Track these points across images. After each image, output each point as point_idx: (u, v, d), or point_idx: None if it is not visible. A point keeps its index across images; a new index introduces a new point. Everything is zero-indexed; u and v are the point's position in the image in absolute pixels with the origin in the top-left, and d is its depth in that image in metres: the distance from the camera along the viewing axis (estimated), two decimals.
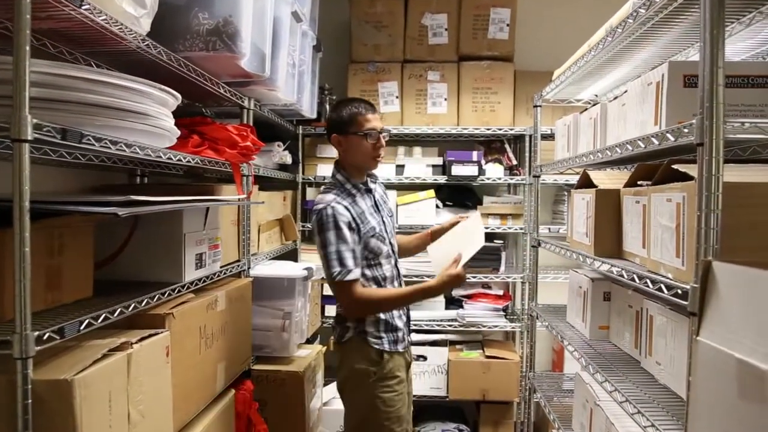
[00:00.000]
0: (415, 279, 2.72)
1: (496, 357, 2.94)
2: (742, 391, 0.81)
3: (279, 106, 2.46)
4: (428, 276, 2.61)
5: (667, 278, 1.26)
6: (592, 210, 1.75)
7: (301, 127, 3.01)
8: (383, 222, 1.89)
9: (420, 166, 3.07)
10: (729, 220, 1.06)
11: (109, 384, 1.14)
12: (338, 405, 1.90)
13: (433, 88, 3.04)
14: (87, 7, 1.10)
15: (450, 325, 3.01)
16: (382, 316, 1.82)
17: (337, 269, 1.72)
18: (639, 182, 1.60)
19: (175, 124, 1.46)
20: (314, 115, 2.84)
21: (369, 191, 1.92)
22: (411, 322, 2.04)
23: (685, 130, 1.13)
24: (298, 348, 2.39)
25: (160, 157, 1.40)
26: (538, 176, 2.65)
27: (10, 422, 0.97)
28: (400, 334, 1.87)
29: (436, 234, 2.02)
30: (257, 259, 2.31)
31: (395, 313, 1.87)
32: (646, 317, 1.59)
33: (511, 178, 3.04)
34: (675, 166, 1.27)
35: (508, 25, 2.98)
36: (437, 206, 3.05)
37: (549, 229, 2.97)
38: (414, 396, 2.08)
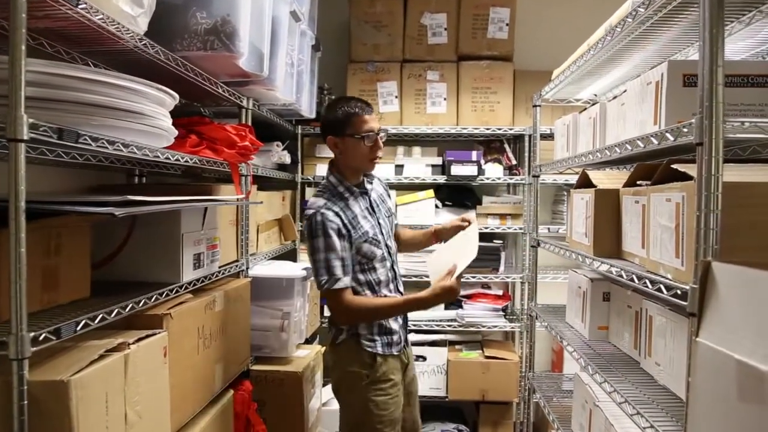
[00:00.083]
0: (414, 279, 2.72)
1: (496, 357, 2.94)
2: (741, 392, 0.81)
3: (278, 105, 2.45)
4: (427, 276, 2.60)
5: (667, 278, 1.26)
6: (592, 210, 1.75)
7: (300, 126, 3.00)
8: (379, 224, 1.85)
9: (419, 166, 3.06)
10: (728, 220, 1.06)
11: (105, 385, 1.14)
12: (337, 405, 1.90)
13: (433, 88, 3.03)
14: (84, 6, 1.10)
15: (449, 325, 3.01)
16: None
17: (324, 277, 1.70)
18: (638, 182, 1.60)
19: (173, 124, 1.45)
20: (313, 115, 2.83)
21: (364, 193, 1.88)
22: (409, 323, 2.02)
23: (685, 130, 1.12)
24: (297, 348, 2.39)
25: (158, 156, 1.39)
26: (538, 176, 2.65)
27: (6, 423, 0.96)
28: (395, 336, 1.84)
29: (440, 233, 2.00)
30: (256, 259, 2.30)
31: None
32: (645, 318, 1.58)
33: (511, 178, 3.04)
34: (674, 166, 1.26)
35: (507, 24, 2.97)
36: (436, 206, 3.05)
37: (548, 229, 2.97)
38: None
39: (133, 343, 1.25)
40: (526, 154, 2.98)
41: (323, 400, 2.64)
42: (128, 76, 1.22)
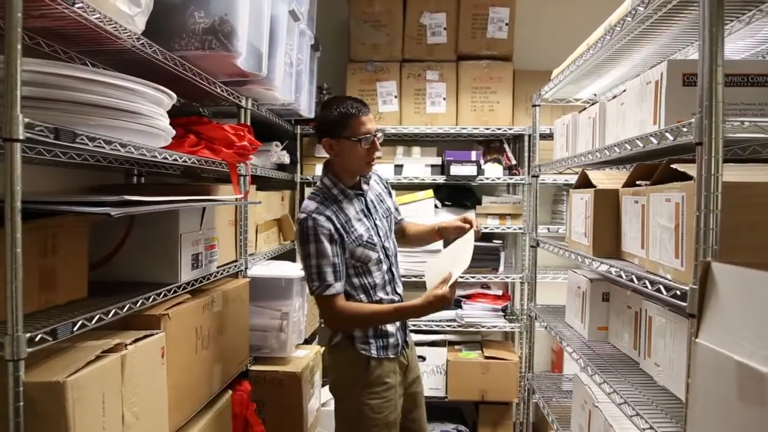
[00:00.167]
0: (414, 279, 2.71)
1: (495, 357, 2.94)
2: (741, 393, 0.80)
3: (277, 105, 2.45)
4: None
5: (666, 279, 1.25)
6: (591, 210, 1.74)
7: (299, 126, 3.00)
8: (375, 226, 1.82)
9: (419, 165, 3.06)
10: (728, 220, 1.05)
11: (102, 386, 1.13)
12: None
13: (432, 88, 3.03)
14: (80, 5, 1.10)
15: (449, 326, 3.01)
16: None
17: (315, 284, 1.69)
18: (638, 182, 1.59)
19: (172, 124, 1.45)
20: (312, 115, 2.82)
21: (360, 195, 1.83)
22: (409, 323, 2.00)
23: (684, 130, 1.12)
24: (296, 348, 2.38)
25: (156, 156, 1.39)
26: (537, 176, 2.65)
27: (2, 425, 0.96)
28: (391, 339, 1.81)
29: (442, 231, 1.98)
30: (255, 259, 2.30)
31: None
32: (645, 318, 1.58)
33: (510, 178, 3.04)
34: (674, 166, 1.26)
35: (507, 24, 2.97)
36: (436, 206, 3.04)
37: (548, 229, 2.97)
38: None
39: (131, 344, 1.24)
40: (526, 154, 2.97)
41: (322, 401, 2.63)
42: (125, 76, 1.22)
